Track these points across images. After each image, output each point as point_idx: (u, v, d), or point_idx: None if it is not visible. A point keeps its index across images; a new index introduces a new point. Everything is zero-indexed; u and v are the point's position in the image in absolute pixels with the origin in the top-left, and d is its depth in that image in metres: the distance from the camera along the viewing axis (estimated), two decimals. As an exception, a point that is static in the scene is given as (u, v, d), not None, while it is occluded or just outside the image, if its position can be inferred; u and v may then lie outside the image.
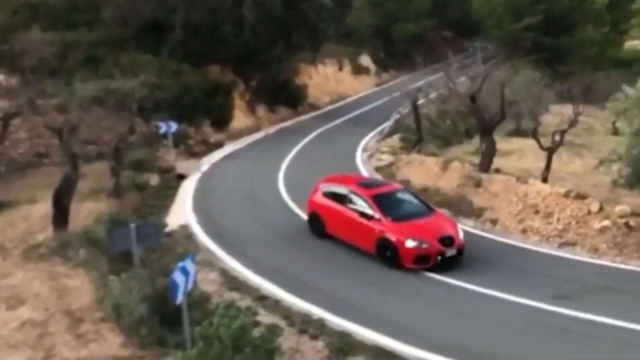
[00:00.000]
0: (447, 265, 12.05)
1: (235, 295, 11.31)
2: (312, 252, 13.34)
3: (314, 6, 28.77)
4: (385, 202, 13.04)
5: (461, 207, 15.76)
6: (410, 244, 12.07)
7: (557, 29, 37.09)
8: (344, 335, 9.71)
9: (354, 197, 13.32)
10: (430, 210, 13.43)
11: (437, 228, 12.62)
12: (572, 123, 18.52)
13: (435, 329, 9.84)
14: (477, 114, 18.10)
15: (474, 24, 44.07)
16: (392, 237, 12.25)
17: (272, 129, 27.68)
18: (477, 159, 18.06)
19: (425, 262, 12.06)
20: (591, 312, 9.99)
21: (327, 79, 34.62)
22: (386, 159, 21.31)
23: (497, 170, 17.47)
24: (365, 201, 13.02)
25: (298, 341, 9.72)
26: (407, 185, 17.84)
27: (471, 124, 23.58)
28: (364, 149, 23.51)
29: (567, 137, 18.26)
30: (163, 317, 9.50)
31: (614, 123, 24.39)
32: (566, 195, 14.19)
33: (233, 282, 11.94)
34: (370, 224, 12.71)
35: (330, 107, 32.42)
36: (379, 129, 26.38)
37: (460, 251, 12.35)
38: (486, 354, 9.01)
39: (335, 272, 12.29)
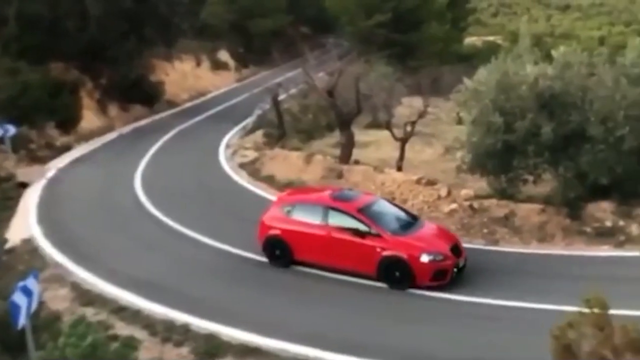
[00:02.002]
0: (457, 278, 10.88)
1: (89, 310, 10.54)
2: (171, 256, 12.79)
3: (166, 0, 27.59)
4: (375, 215, 11.40)
5: (324, 199, 16.05)
6: (425, 258, 10.61)
7: (405, 26, 39.22)
8: (210, 338, 9.45)
9: (335, 214, 11.40)
10: (417, 218, 12.10)
11: (442, 237, 11.44)
12: (421, 114, 19.65)
13: (301, 320, 9.91)
14: (335, 108, 18.56)
15: (330, 21, 45.30)
16: (402, 254, 10.66)
17: (126, 129, 26.11)
18: (338, 151, 18.54)
19: (442, 277, 10.64)
20: (445, 291, 10.64)
21: (184, 75, 33.43)
22: (250, 154, 21.12)
23: (357, 162, 18.07)
24: (354, 217, 11.22)
25: (162, 350, 9.26)
26: (272, 180, 17.92)
27: (332, 118, 24.10)
28: (227, 146, 23.10)
29: (418, 128, 19.37)
30: (4, 344, 8.55)
31: (457, 113, 26.37)
32: (418, 182, 15.13)
33: (87, 296, 11.11)
34: (368, 242, 10.93)
35: (189, 104, 31.37)
36: (241, 125, 26.09)
37: (465, 260, 11.26)
38: (353, 340, 9.23)
39: (195, 274, 11.89)
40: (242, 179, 18.61)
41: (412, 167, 17.74)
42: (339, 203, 11.65)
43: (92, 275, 11.84)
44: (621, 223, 12.47)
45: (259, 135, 23.69)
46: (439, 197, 14.42)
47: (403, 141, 18.39)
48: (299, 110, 25.23)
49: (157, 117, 28.45)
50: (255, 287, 11.29)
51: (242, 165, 20.02)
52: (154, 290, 11.05)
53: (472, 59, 39.59)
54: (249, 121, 25.94)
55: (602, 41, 55.26)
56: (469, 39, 55.34)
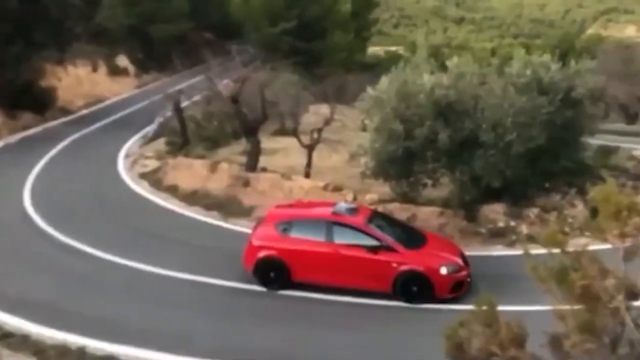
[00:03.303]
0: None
1: (-32, 339, 9.51)
2: (65, 275, 11.92)
3: (58, 1, 25.88)
4: (382, 229, 10.95)
5: (231, 208, 15.81)
6: (444, 271, 10.36)
7: (310, 34, 39.75)
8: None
9: (340, 230, 10.82)
10: (417, 229, 11.88)
11: (451, 248, 11.29)
12: (328, 121, 19.92)
13: (205, 334, 9.61)
14: (240, 115, 18.29)
15: (234, 27, 44.81)
16: (421, 268, 10.32)
17: (13, 138, 24.09)
18: (245, 159, 18.26)
19: (459, 289, 10.42)
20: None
21: (79, 80, 31.57)
22: (151, 164, 20.26)
23: (264, 169, 17.92)
24: (363, 231, 10.73)
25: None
26: (175, 189, 17.30)
27: (238, 125, 23.80)
28: (127, 155, 22.03)
29: (325, 135, 19.58)
30: None
31: (363, 120, 26.96)
32: (325, 188, 15.31)
33: (-34, 324, 10.03)
34: (382, 257, 10.45)
35: (85, 111, 29.62)
36: (142, 133, 25.03)
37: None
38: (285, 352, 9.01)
39: (92, 292, 11.17)
40: (142, 190, 17.80)
41: (320, 173, 17.87)
42: (344, 218, 11.05)
43: (-28, 301, 10.75)
44: (512, 224, 13.24)
45: (160, 143, 22.83)
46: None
47: (310, 148, 18.50)
48: (203, 118, 24.61)
49: (48, 125, 26.55)
50: (156, 302, 10.78)
51: (142, 175, 19.16)
52: (46, 313, 10.24)
53: (376, 68, 40.92)
54: (150, 129, 24.95)
55: (493, 52, 59.21)
56: (373, 49, 57.13)
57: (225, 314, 10.38)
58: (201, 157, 19.80)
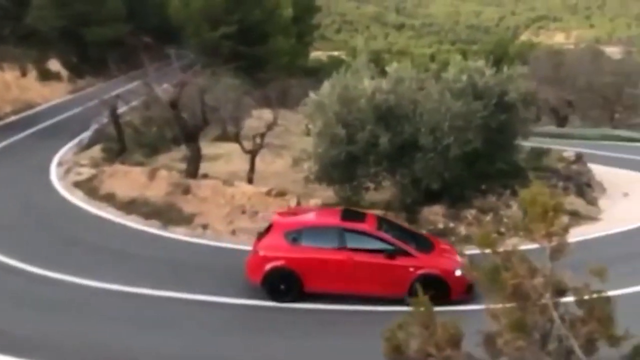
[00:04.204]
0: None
1: None
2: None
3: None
4: (392, 233, 10.81)
5: (171, 216, 15.42)
6: (459, 273, 10.30)
7: (252, 39, 39.48)
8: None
9: (353, 236, 10.62)
10: (420, 233, 11.92)
11: (453, 249, 11.37)
12: (270, 126, 19.80)
13: (144, 348, 9.28)
14: (179, 121, 17.90)
15: (174, 31, 43.93)
16: (438, 271, 10.31)
17: None
18: (185, 166, 17.86)
19: (471, 289, 10.31)
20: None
21: (7, 85, 29.95)
22: (87, 172, 19.47)
23: (205, 176, 17.59)
24: (378, 237, 10.59)
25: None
26: (112, 198, 16.71)
27: (178, 131, 23.29)
28: (60, 163, 21.10)
29: (269, 139, 19.45)
30: None
31: (306, 125, 27.01)
32: (268, 193, 15.14)
33: None
34: (399, 262, 10.34)
35: (13, 118, 28.16)
36: (76, 140, 24.05)
37: None
38: None
39: (21, 309, 10.57)
40: (76, 199, 17.08)
41: (263, 179, 17.71)
42: (355, 224, 10.91)
43: None
44: (451, 225, 13.56)
45: (96, 150, 22.02)
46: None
47: (253, 153, 18.32)
48: (141, 123, 23.94)
49: (-27, 133, 25.16)
50: (93, 318, 10.30)
51: (77, 184, 18.38)
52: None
53: (319, 73, 41.13)
54: (85, 136, 24.03)
55: (433, 58, 60.87)
56: (315, 54, 57.43)
57: (170, 327, 10.02)
58: (139, 164, 19.25)
